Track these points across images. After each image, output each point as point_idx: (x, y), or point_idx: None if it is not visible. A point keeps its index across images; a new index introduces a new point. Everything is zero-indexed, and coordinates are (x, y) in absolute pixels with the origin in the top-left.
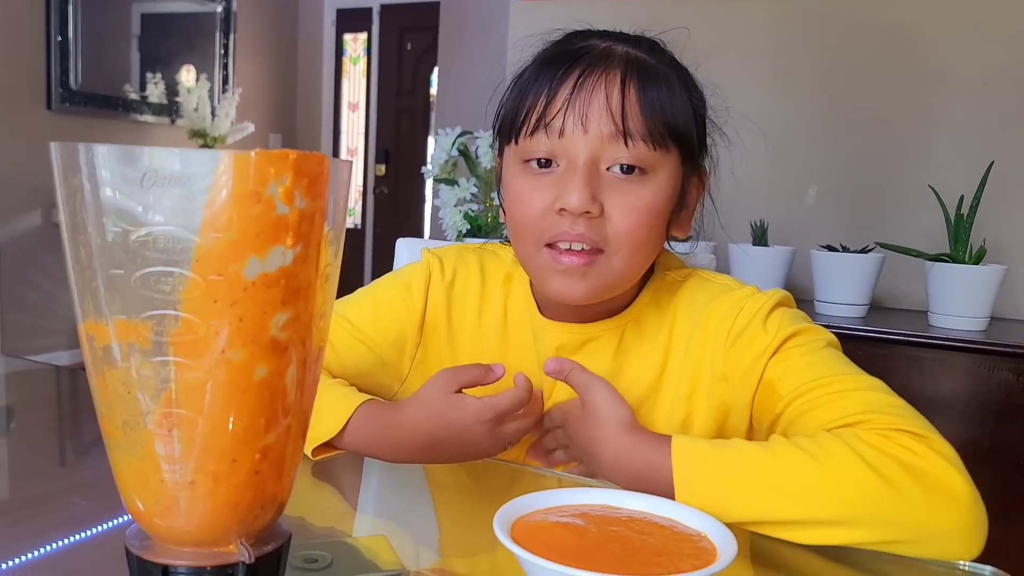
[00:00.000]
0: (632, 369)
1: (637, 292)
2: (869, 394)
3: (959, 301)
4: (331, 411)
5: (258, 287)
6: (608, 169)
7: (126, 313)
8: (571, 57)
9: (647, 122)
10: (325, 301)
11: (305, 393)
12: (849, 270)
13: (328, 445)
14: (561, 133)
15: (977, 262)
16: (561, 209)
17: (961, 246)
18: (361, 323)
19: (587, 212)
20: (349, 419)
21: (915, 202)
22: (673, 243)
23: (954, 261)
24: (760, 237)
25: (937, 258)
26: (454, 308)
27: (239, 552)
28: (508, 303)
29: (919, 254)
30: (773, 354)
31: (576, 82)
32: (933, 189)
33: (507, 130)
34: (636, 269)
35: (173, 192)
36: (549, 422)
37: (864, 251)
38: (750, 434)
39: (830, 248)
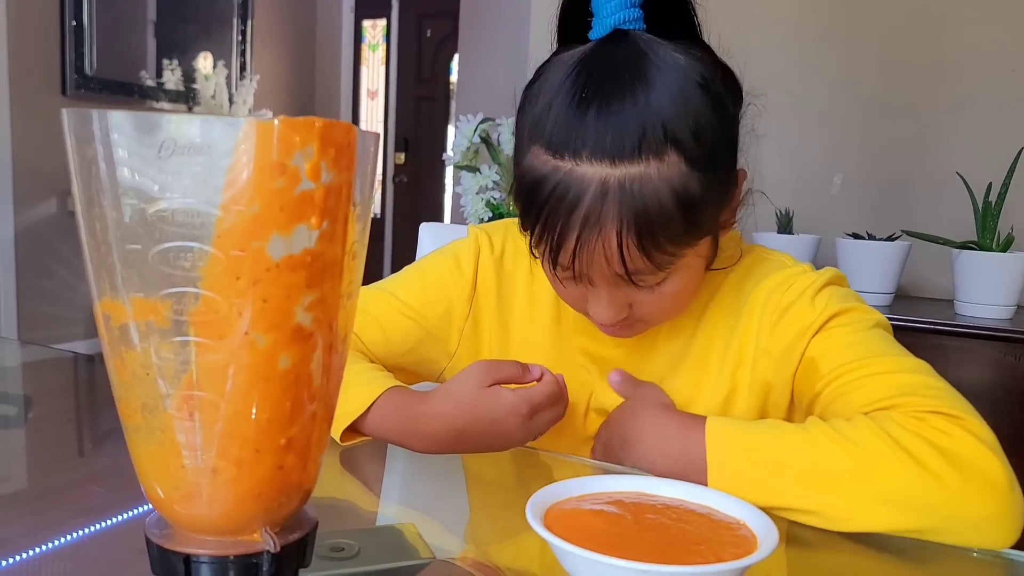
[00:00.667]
0: (678, 342)
1: None
2: (909, 376)
3: (986, 289)
4: (356, 393)
5: (282, 269)
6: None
7: (144, 291)
8: (564, 219)
9: (649, 257)
10: (352, 281)
11: (332, 378)
12: (875, 258)
13: (355, 430)
14: (576, 276)
15: (1005, 250)
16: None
17: (988, 234)
18: (408, 298)
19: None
20: (373, 403)
21: (942, 190)
22: None
23: (981, 249)
24: (785, 226)
25: (964, 246)
26: (504, 284)
27: (264, 541)
28: None
29: (946, 242)
30: (818, 331)
31: (574, 251)
32: (961, 176)
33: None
34: (680, 314)
35: (192, 162)
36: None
37: (890, 239)
38: (790, 412)
39: (856, 236)
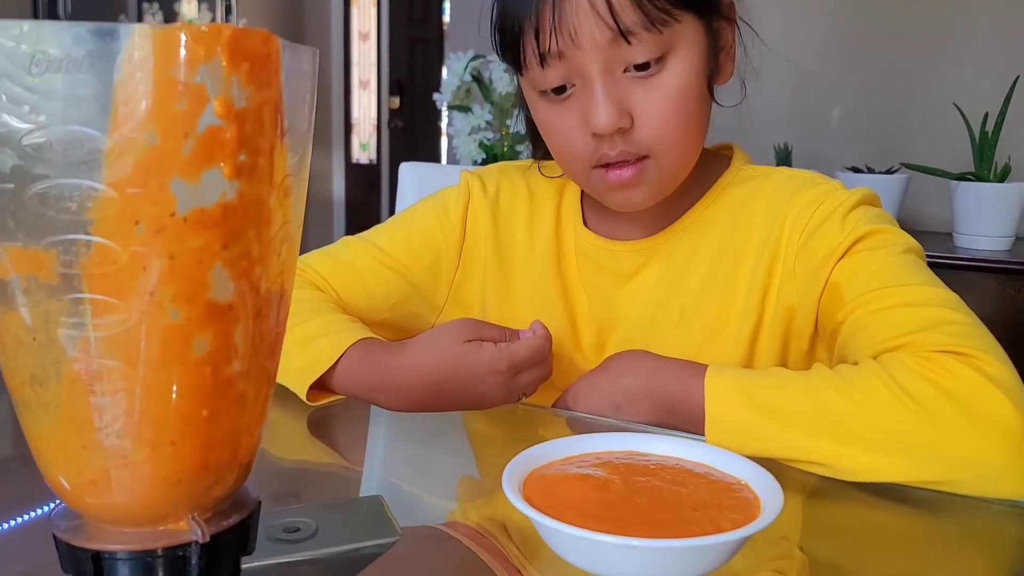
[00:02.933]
0: (700, 271)
1: (703, 189)
2: (931, 310)
3: (984, 220)
4: (322, 345)
5: (191, 224)
6: (624, 71)
7: (22, 240)
8: None
9: (642, 7)
10: (287, 222)
11: (266, 337)
12: (874, 191)
13: (323, 388)
14: (561, 55)
15: (1002, 180)
16: (593, 132)
17: (986, 164)
18: (392, 248)
19: (619, 128)
20: (340, 357)
21: (940, 121)
22: None
23: (979, 180)
24: (784, 160)
25: (962, 177)
26: (501, 225)
27: (191, 530)
28: (562, 216)
29: (944, 174)
30: (844, 254)
31: (554, 9)
32: (957, 107)
33: (509, 60)
34: (691, 155)
35: (72, 80)
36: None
37: (889, 172)
38: (814, 340)
39: (855, 170)
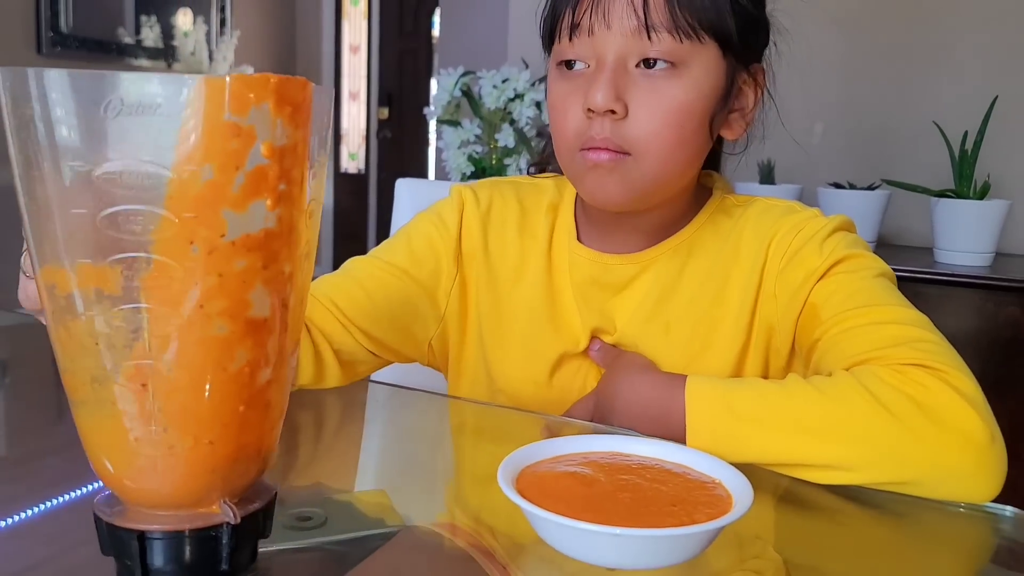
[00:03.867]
0: (688, 289)
1: (691, 215)
2: (903, 328)
3: (964, 236)
4: None
5: (239, 248)
6: (636, 66)
7: (91, 257)
8: None
9: (672, 12)
10: (309, 240)
11: (288, 339)
12: (856, 207)
13: None
14: (590, 32)
15: (981, 197)
16: (588, 110)
17: (965, 182)
18: (393, 258)
19: (612, 112)
20: None
21: (920, 139)
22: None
23: (959, 197)
24: (767, 176)
25: (942, 194)
26: (492, 239)
27: (222, 512)
28: (555, 230)
29: (924, 190)
30: (822, 276)
31: None
32: (937, 125)
33: (546, 37)
34: (671, 173)
35: (141, 122)
36: None
37: (871, 188)
38: (791, 359)
39: (837, 186)
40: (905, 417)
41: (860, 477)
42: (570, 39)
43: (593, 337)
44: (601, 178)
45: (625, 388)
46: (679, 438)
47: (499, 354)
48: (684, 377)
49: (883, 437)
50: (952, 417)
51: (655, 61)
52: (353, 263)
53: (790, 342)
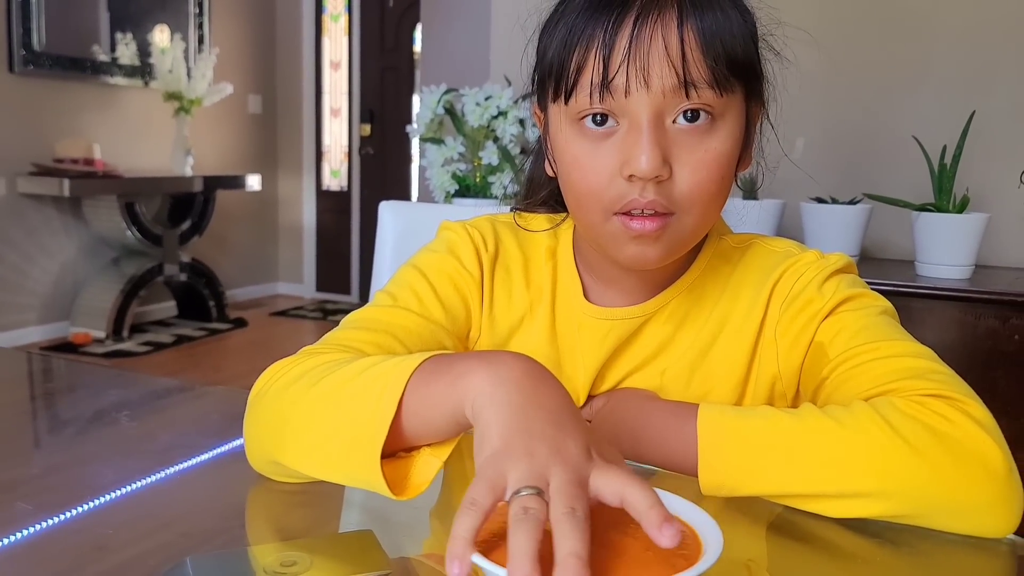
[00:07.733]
0: (687, 338)
1: (691, 258)
2: (914, 360)
3: (945, 250)
4: (379, 394)
5: None
6: (673, 122)
7: None
8: (620, 1)
9: (711, 66)
10: None
11: None
12: (838, 222)
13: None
14: (626, 92)
15: (961, 211)
16: (630, 175)
17: (945, 196)
18: (426, 311)
19: (657, 176)
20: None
21: (901, 153)
22: None
23: (939, 210)
24: (750, 191)
25: (922, 208)
26: (498, 287)
27: None
28: (558, 286)
29: (905, 204)
30: (826, 316)
31: (632, 32)
32: (917, 140)
33: (554, 87)
34: (708, 224)
35: None
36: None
37: (852, 203)
38: (795, 401)
39: (819, 200)
40: (925, 450)
41: (877, 508)
42: (601, 98)
43: (590, 396)
44: (643, 246)
45: (632, 416)
46: (690, 468)
47: None
48: (695, 406)
49: (902, 469)
50: (972, 449)
51: (695, 113)
52: (369, 313)
53: (795, 386)
